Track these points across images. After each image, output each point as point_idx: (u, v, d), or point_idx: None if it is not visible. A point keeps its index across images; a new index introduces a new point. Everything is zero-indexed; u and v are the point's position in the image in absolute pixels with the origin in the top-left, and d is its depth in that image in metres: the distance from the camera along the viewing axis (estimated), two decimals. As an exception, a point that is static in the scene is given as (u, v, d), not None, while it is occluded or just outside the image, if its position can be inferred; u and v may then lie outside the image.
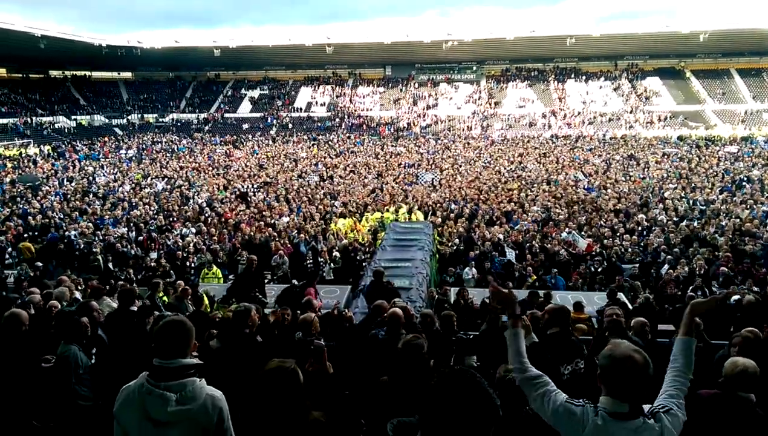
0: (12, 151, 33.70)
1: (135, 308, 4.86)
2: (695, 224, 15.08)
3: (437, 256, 12.53)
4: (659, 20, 49.15)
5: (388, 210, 17.30)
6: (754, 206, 16.70)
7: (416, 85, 52.95)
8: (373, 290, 7.29)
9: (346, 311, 5.35)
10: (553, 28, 49.54)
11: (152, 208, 18.18)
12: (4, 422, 3.48)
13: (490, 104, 48.48)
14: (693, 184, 21.08)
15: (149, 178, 25.48)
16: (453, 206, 17.94)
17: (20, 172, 27.06)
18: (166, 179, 24.96)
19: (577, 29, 48.65)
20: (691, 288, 9.87)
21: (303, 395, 2.26)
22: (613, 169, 25.87)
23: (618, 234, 14.36)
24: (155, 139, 42.03)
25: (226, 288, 8.86)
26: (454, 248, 13.45)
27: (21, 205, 18.84)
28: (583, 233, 14.70)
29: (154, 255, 12.99)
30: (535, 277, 11.26)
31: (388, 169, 27.30)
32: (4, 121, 40.02)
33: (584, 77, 50.44)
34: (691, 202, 18.08)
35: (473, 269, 11.74)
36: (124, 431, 2.20)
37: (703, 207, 17.18)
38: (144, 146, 38.53)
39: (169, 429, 2.11)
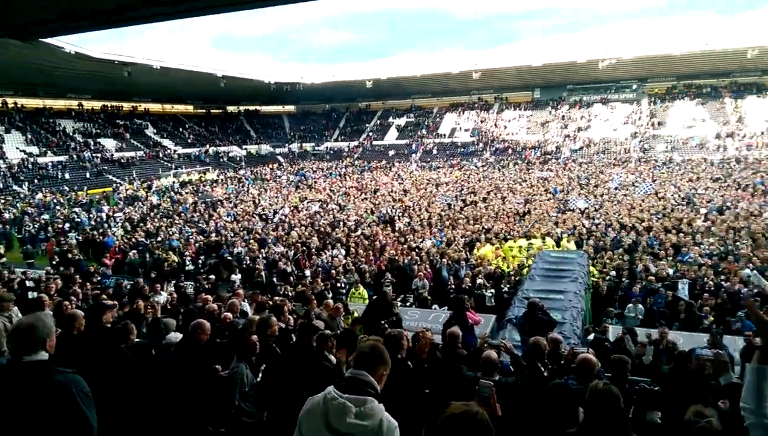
0: (194, 176, 39.06)
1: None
2: None
3: (591, 289, 11.53)
4: None
5: (535, 237, 16.50)
6: None
7: (567, 106, 50.46)
8: (528, 322, 6.86)
9: (505, 342, 5.04)
10: (730, 40, 43.12)
11: (307, 230, 19.55)
12: (186, 424, 3.85)
13: (652, 125, 44.28)
14: None
15: (305, 202, 27.56)
16: (610, 235, 16.52)
17: (200, 193, 31.31)
18: (320, 203, 26.79)
19: (760, 40, 42.05)
20: None
21: None
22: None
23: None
24: (311, 166, 45.62)
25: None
26: (612, 281, 12.30)
27: (200, 225, 21.63)
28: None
29: (308, 273, 13.87)
30: (712, 318, 9.77)
31: (534, 194, 26.22)
32: (190, 150, 46.65)
33: (769, 93, 43.59)
34: None
35: (638, 305, 10.59)
36: None
37: None
38: (302, 172, 42.01)
39: None
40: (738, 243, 15.06)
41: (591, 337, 7.79)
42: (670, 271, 12.77)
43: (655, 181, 27.88)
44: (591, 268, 12.71)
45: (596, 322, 9.97)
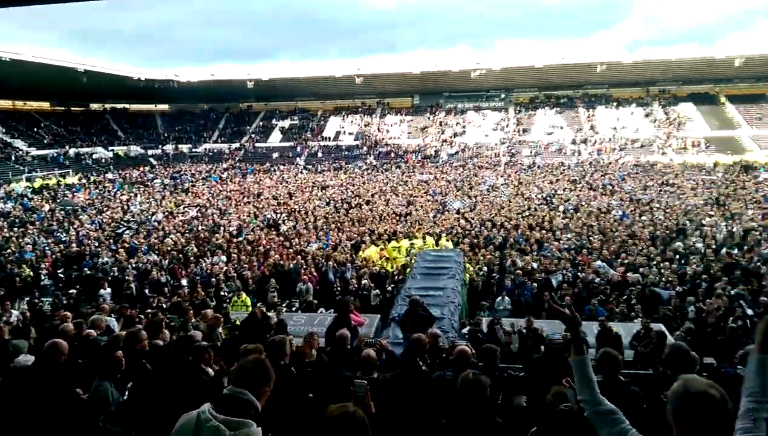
0: (51, 180, 35.06)
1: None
2: (736, 252, 14.49)
3: (467, 285, 12.31)
4: (691, 47, 48.25)
5: (416, 237, 17.19)
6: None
7: (444, 113, 53.26)
8: (409, 319, 7.15)
9: (380, 341, 5.22)
10: (583, 55, 49.11)
11: (184, 237, 18.51)
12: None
13: (518, 131, 48.32)
14: (731, 212, 20.35)
15: (182, 207, 26.05)
16: (482, 234, 17.73)
17: (59, 200, 28.18)
18: (198, 208, 25.48)
19: (607, 56, 48.39)
20: (732, 319, 9.40)
21: None
22: (646, 195, 25.29)
23: (654, 263, 13.92)
24: (188, 169, 43.14)
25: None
26: (485, 276, 13.24)
27: (58, 234, 19.48)
28: (618, 260, 14.31)
29: (185, 282, 13.15)
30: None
31: (415, 196, 27.30)
32: (47, 152, 41.83)
33: (615, 104, 49.87)
34: (730, 229, 17.42)
35: (506, 297, 11.51)
36: None
37: (743, 235, 16.51)
38: (178, 176, 39.55)
39: None
40: (590, 237, 16.99)
41: (466, 330, 8.33)
42: (535, 265, 14.05)
43: (521, 183, 30.46)
44: (467, 265, 13.58)
45: (472, 315, 10.67)
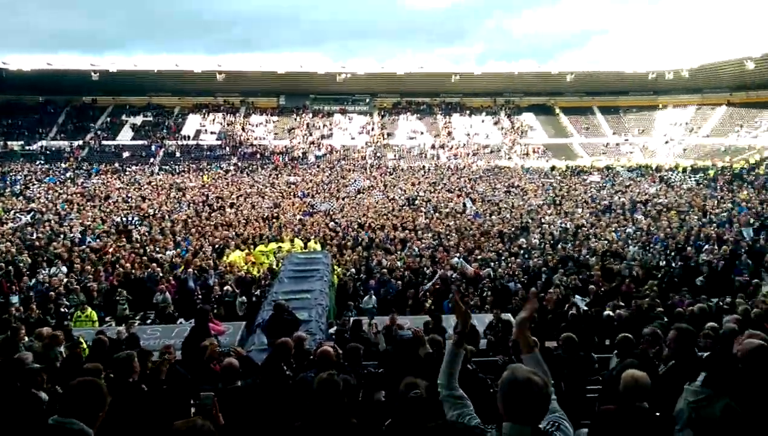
0: None
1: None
2: (569, 246, 16.52)
3: (335, 286, 12.42)
4: (531, 63, 54.38)
5: (284, 240, 16.94)
6: (619, 229, 18.63)
7: (310, 114, 53.12)
8: (273, 324, 7.01)
9: (236, 348, 5.06)
10: (439, 65, 52.90)
11: (15, 246, 16.17)
12: None
13: (382, 135, 49.94)
14: (565, 210, 23.17)
15: (12, 212, 22.72)
16: (350, 235, 18.03)
17: None
18: (32, 213, 22.40)
19: (460, 68, 52.50)
20: (566, 306, 10.72)
21: None
22: (495, 197, 27.77)
23: (503, 257, 15.30)
24: (20, 169, 37.67)
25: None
26: (353, 276, 13.48)
27: None
28: (472, 256, 15.47)
29: (15, 299, 11.49)
30: (430, 302, 11.57)
31: (283, 198, 26.89)
32: None
33: (468, 112, 53.90)
34: (564, 226, 19.81)
35: (372, 296, 11.83)
36: None
37: (575, 230, 18.88)
38: (7, 177, 34.34)
39: None
40: (449, 236, 18.16)
41: (333, 330, 8.42)
42: (399, 263, 14.65)
43: (386, 185, 31.58)
44: (335, 266, 13.70)
45: (340, 316, 10.79)
